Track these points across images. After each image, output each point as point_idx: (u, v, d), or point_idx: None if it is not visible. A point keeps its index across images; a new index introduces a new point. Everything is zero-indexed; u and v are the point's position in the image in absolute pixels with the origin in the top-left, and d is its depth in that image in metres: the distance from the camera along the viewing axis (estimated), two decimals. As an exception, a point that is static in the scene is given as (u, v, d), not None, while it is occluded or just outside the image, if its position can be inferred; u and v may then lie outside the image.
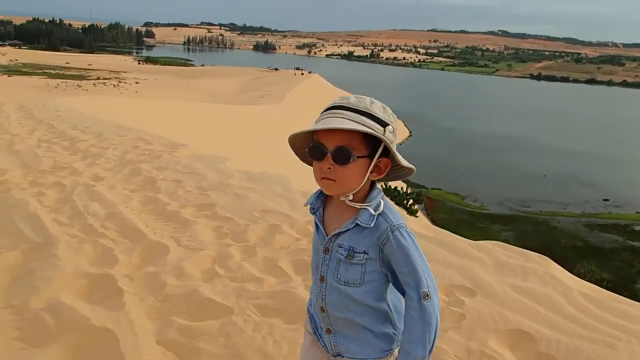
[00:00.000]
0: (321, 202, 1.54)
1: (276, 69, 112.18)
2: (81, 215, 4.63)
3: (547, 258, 4.01)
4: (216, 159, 6.94)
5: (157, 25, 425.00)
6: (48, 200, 5.16)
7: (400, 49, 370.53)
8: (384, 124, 1.36)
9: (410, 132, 60.66)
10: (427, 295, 1.39)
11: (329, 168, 1.36)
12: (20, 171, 6.34)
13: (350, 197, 1.41)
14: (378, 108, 1.38)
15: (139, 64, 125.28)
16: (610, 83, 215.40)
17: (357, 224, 1.42)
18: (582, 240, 28.18)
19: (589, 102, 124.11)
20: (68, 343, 2.77)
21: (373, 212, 1.40)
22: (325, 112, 1.39)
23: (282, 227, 4.32)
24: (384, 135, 1.35)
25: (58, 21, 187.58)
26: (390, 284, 1.51)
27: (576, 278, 3.83)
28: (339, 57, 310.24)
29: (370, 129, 1.32)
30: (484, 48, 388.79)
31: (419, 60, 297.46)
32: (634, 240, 29.33)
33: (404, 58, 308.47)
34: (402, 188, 24.03)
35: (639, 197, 37.63)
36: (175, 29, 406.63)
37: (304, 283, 3.40)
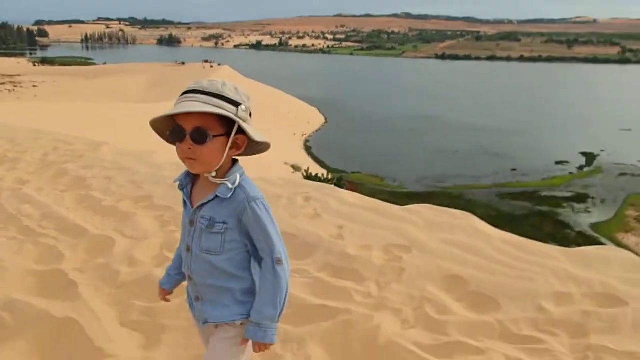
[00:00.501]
0: (190, 179, 1.65)
1: (183, 63, 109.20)
2: (14, 218, 4.52)
3: (469, 214, 4.47)
4: (143, 154, 6.90)
5: (50, 23, 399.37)
6: (-27, 207, 4.96)
7: (309, 36, 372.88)
8: (236, 104, 1.47)
9: (326, 118, 61.59)
10: (280, 260, 1.54)
11: (189, 148, 1.46)
12: None
13: (214, 174, 1.52)
14: (229, 89, 1.49)
15: (35, 65, 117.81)
16: (509, 59, 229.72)
17: (217, 196, 1.53)
18: (495, 210, 30.28)
19: (490, 77, 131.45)
20: (31, 336, 2.81)
21: (230, 186, 1.51)
22: (181, 97, 1.48)
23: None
24: (236, 114, 1.46)
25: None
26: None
27: (495, 229, 4.31)
28: (247, 47, 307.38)
29: (223, 109, 1.44)
30: (390, 31, 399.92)
31: (328, 47, 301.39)
32: (542, 205, 31.92)
33: (312, 45, 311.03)
34: (322, 174, 24.59)
35: (542, 165, 40.73)
36: (70, 27, 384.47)
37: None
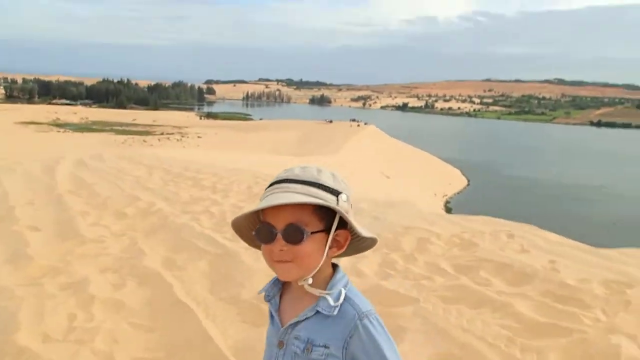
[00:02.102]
0: (278, 289, 1.35)
1: (331, 121, 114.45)
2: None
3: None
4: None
5: (217, 82, 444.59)
6: (206, 223, 5.88)
7: (455, 99, 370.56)
8: (335, 193, 1.20)
9: (469, 180, 60.07)
10: None
11: (282, 250, 1.18)
12: (166, 203, 7.15)
13: (310, 282, 1.22)
14: (327, 176, 1.23)
15: (201, 119, 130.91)
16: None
17: (317, 312, 1.22)
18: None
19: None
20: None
21: (332, 303, 1.19)
22: (268, 188, 1.23)
23: (430, 238, 4.82)
24: (337, 205, 1.19)
25: (126, 81, 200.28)
26: None
27: None
28: (393, 108, 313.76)
29: (322, 199, 1.18)
30: (540, 96, 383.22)
31: (474, 110, 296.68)
32: None
33: (458, 108, 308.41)
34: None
35: None
36: (234, 86, 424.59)
37: (473, 280, 3.84)
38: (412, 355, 2.95)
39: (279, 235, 1.18)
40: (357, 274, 4.06)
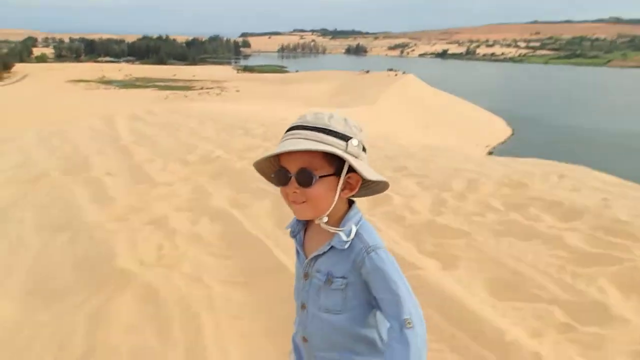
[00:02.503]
0: (302, 225, 1.45)
1: (367, 71, 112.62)
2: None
3: None
4: (385, 135, 7.87)
5: (252, 35, 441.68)
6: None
7: (499, 44, 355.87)
8: (346, 138, 1.26)
9: (513, 130, 58.52)
10: (409, 322, 1.23)
11: (295, 192, 1.28)
12: (222, 150, 7.62)
13: (325, 220, 1.32)
14: (337, 122, 1.28)
15: (238, 72, 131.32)
16: None
17: (332, 247, 1.33)
18: None
19: None
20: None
21: (345, 238, 1.30)
22: (285, 134, 1.30)
23: (480, 179, 5.10)
24: (346, 150, 1.25)
25: (164, 37, 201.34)
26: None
27: None
28: (432, 55, 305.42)
29: (329, 145, 1.23)
30: (594, 38, 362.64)
31: (519, 55, 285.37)
32: None
33: (502, 53, 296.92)
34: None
35: None
36: (269, 38, 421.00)
37: (523, 216, 4.12)
38: (466, 280, 3.28)
39: (293, 179, 1.27)
40: (410, 211, 4.39)
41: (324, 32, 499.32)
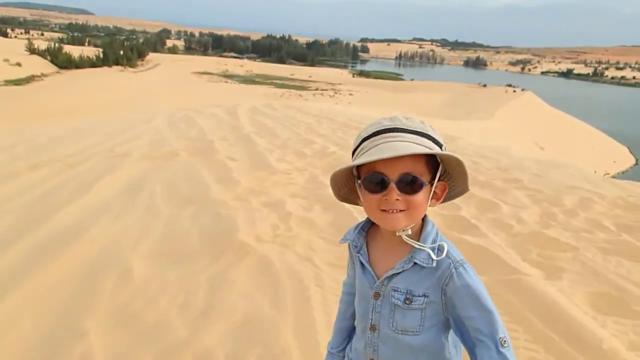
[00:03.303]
0: (363, 238, 1.35)
1: (485, 85, 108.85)
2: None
3: None
4: (499, 147, 7.80)
5: (372, 41, 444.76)
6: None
7: (630, 67, 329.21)
8: (440, 145, 1.20)
9: (637, 159, 53.98)
10: (505, 342, 1.18)
11: (397, 199, 1.17)
12: (337, 147, 8.01)
13: (409, 232, 1.23)
14: (431, 127, 1.22)
15: (353, 77, 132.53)
16: None
17: (415, 263, 1.23)
18: None
19: None
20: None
21: (434, 256, 1.21)
22: (374, 137, 1.20)
23: (593, 198, 4.98)
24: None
25: (287, 37, 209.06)
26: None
27: None
28: (555, 74, 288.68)
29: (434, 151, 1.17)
30: None
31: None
32: None
33: (633, 77, 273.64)
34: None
35: None
36: (388, 45, 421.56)
37: (635, 239, 4.00)
38: (569, 291, 3.30)
39: (392, 185, 1.16)
40: (517, 220, 4.42)
41: (443, 43, 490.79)
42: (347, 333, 1.53)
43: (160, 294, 3.53)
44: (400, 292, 1.25)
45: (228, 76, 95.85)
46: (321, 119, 12.04)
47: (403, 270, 1.24)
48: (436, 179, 1.20)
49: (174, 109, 14.80)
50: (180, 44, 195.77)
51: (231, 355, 2.72)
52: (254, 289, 3.50)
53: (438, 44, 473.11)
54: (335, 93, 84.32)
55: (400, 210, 1.18)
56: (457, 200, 5.08)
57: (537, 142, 46.75)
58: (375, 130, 1.20)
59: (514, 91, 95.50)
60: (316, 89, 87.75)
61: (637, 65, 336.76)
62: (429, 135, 1.19)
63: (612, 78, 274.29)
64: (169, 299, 3.47)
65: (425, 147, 1.16)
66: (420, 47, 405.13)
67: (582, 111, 78.55)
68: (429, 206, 1.22)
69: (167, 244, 4.41)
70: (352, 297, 1.45)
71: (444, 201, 1.29)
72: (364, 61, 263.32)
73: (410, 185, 1.16)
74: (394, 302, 1.26)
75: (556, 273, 3.52)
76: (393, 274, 1.25)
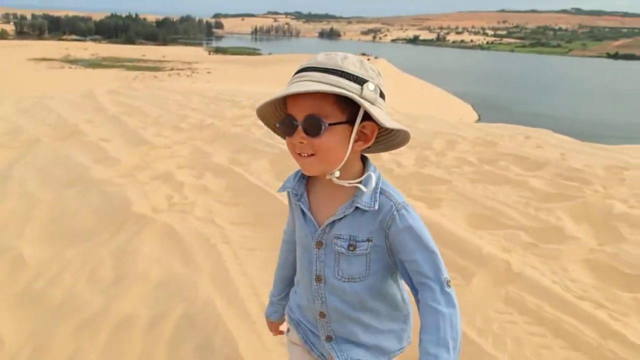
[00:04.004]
0: (304, 186, 1.29)
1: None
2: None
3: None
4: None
5: (225, 16, 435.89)
6: (257, 133, 6.72)
7: (467, 31, 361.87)
8: (361, 81, 1.10)
9: (479, 116, 59.97)
10: (449, 282, 1.15)
11: (302, 142, 1.12)
12: (215, 119, 7.97)
13: (337, 174, 1.16)
14: (352, 63, 1.12)
15: (209, 54, 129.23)
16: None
17: (356, 207, 1.17)
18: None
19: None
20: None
21: (364, 189, 1.15)
22: (293, 77, 1.15)
23: (457, 140, 5.70)
24: (361, 94, 1.08)
25: (134, 16, 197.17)
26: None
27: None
28: (404, 41, 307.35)
29: (341, 88, 1.07)
30: (557, 27, 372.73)
31: (487, 42, 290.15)
32: None
33: (471, 40, 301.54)
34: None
35: None
36: (243, 20, 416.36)
37: (495, 168, 4.71)
38: (450, 215, 3.81)
39: (299, 127, 1.11)
40: (397, 164, 4.93)
41: (298, 15, 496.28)
42: (287, 282, 1.51)
43: (62, 273, 3.44)
44: (343, 239, 1.20)
45: (71, 61, 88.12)
46: (190, 95, 11.83)
47: (344, 216, 1.18)
48: (357, 120, 1.11)
49: (19, 97, 13.48)
50: (9, 28, 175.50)
51: (158, 315, 2.78)
52: (162, 254, 3.54)
53: (293, 17, 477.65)
54: (193, 72, 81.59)
55: (310, 154, 1.13)
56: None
57: (393, 106, 49.82)
58: (297, 69, 1.15)
59: (368, 59, 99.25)
60: (172, 69, 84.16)
61: (473, 30, 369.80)
62: (342, 72, 1.09)
63: (453, 42, 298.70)
64: (73, 275, 3.39)
65: (334, 85, 1.06)
66: (276, 21, 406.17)
67: (430, 75, 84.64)
68: (357, 149, 1.16)
69: (57, 226, 4.25)
70: (292, 246, 1.42)
71: (389, 148, 1.25)
72: (219, 37, 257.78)
73: (311, 127, 1.09)
74: (337, 250, 1.21)
75: (436, 203, 4.03)
76: (335, 220, 1.20)
